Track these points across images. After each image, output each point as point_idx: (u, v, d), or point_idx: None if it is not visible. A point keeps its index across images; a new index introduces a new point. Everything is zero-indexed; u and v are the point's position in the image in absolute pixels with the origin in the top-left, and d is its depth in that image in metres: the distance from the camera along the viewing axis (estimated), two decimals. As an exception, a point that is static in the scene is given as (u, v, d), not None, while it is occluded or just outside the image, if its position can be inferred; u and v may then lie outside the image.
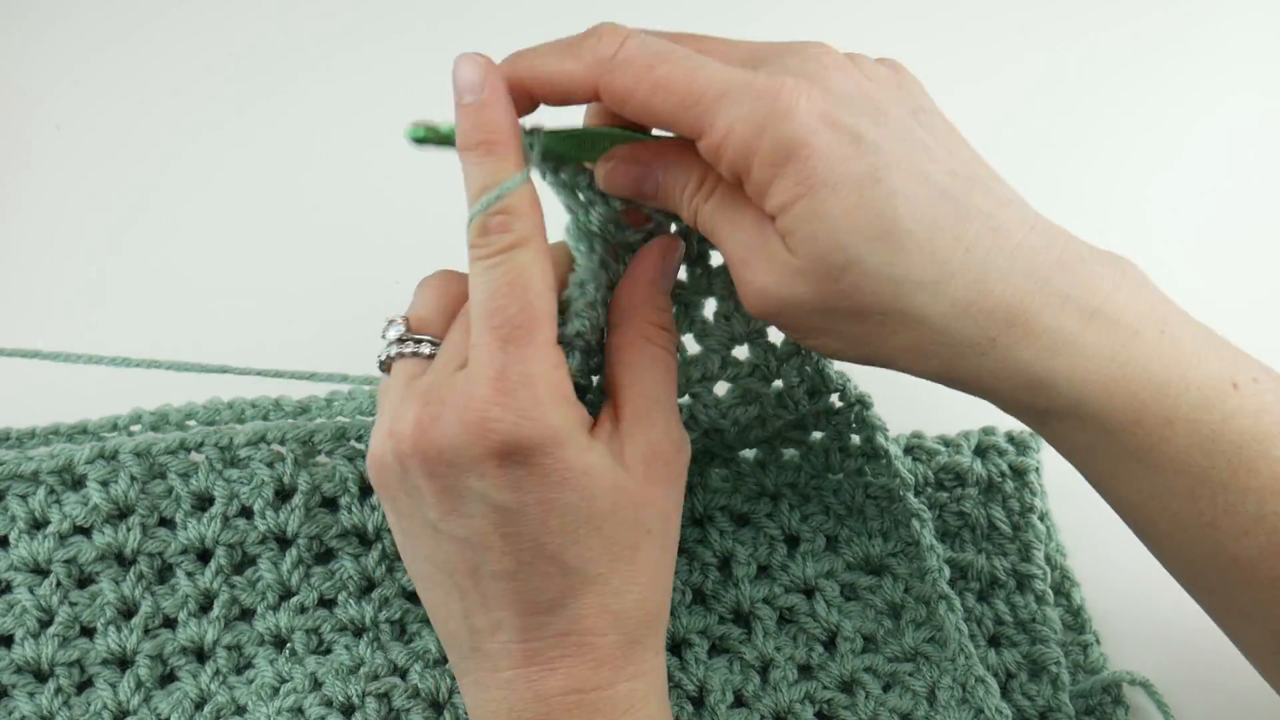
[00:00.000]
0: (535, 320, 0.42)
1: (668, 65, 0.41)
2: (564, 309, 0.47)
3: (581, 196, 0.47)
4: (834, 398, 0.53)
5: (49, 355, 0.59)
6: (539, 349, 0.42)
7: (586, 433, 0.43)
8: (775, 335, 0.50)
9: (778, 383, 0.52)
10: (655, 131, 0.46)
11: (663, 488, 0.45)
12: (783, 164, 0.39)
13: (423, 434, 0.42)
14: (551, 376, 0.42)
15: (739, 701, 0.56)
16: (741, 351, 0.52)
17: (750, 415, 0.52)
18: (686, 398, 0.52)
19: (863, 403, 0.54)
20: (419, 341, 0.46)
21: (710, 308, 0.51)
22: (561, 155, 0.46)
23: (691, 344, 0.52)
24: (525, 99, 0.44)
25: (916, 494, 0.59)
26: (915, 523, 0.56)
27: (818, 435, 0.56)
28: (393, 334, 0.47)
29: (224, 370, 0.58)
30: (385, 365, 0.47)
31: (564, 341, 0.46)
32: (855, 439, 0.56)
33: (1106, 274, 0.42)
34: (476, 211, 0.42)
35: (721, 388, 0.52)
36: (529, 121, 0.44)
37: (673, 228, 0.49)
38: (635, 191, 0.46)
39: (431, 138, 0.43)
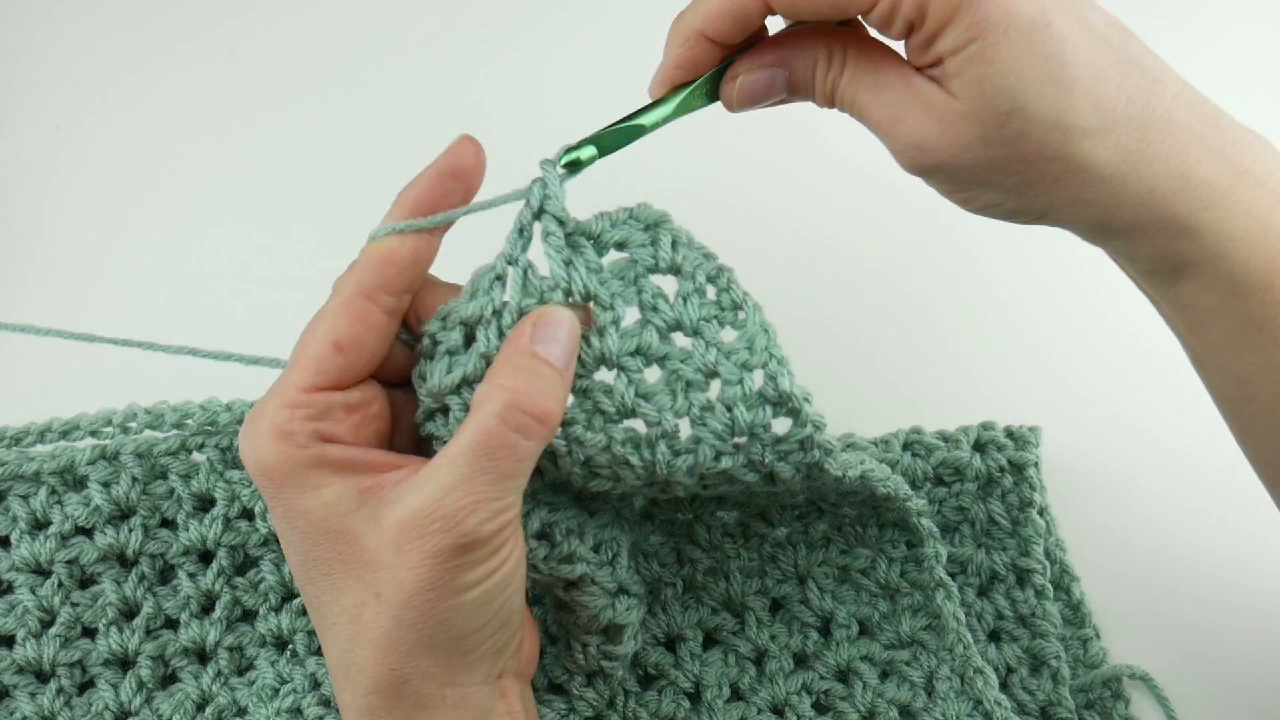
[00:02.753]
0: (296, 361, 0.42)
1: None
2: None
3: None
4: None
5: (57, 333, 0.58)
6: (281, 388, 0.42)
7: (320, 474, 0.41)
8: (781, 425, 0.46)
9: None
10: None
11: (409, 559, 0.40)
12: (956, 10, 0.39)
13: None
14: (278, 415, 0.41)
15: (736, 695, 0.56)
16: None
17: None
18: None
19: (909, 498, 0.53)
20: None
21: (715, 389, 0.45)
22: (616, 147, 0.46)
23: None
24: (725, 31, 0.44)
25: (914, 490, 0.59)
26: (915, 519, 0.55)
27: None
28: None
29: (225, 357, 0.58)
30: None
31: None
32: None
33: (1250, 138, 0.43)
34: None
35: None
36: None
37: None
38: (769, 94, 0.46)
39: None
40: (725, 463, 0.45)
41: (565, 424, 0.43)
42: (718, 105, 0.48)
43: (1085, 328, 0.68)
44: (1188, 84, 0.43)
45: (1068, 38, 0.40)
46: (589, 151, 0.44)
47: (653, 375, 0.45)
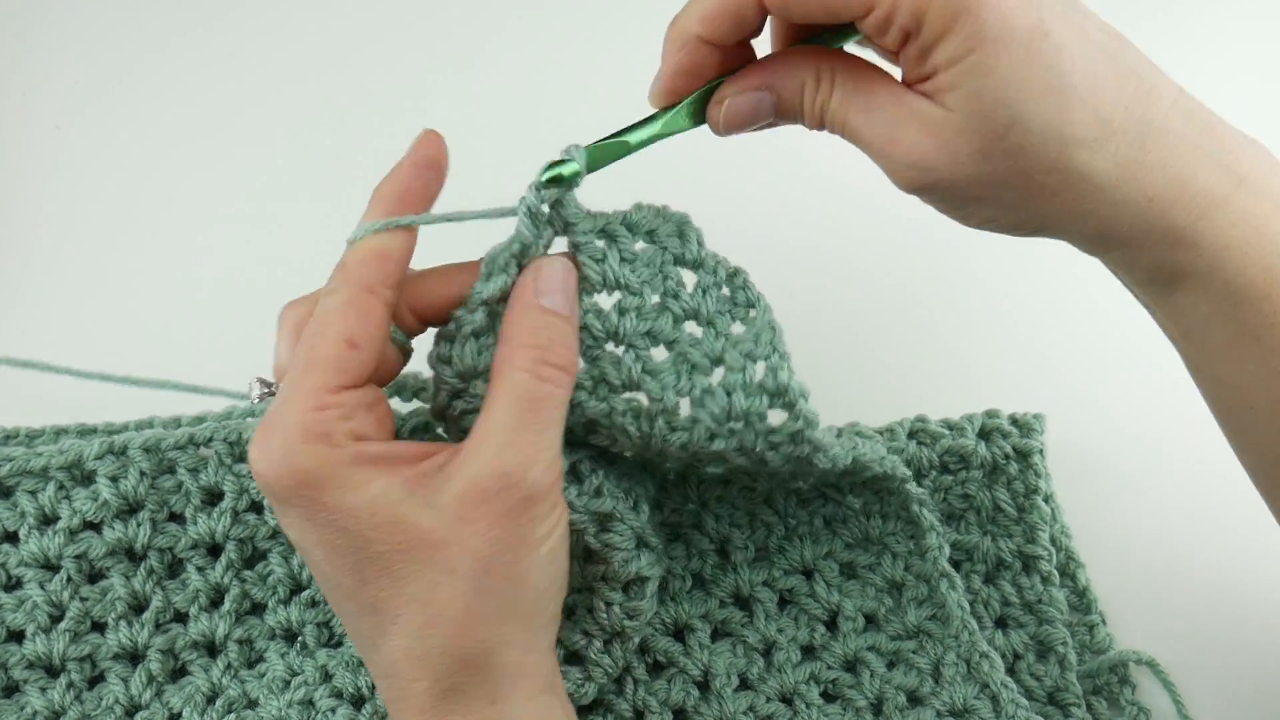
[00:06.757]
0: (313, 364, 0.41)
1: None
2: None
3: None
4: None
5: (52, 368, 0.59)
6: (307, 393, 0.41)
7: (363, 471, 0.41)
8: (776, 419, 0.47)
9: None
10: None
11: (479, 526, 0.41)
12: (953, 20, 0.39)
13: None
14: (308, 419, 0.40)
15: (744, 684, 0.56)
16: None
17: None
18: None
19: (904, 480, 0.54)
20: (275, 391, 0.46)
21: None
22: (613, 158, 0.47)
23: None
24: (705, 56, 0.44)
25: (920, 478, 0.59)
26: (915, 506, 0.55)
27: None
28: (255, 394, 0.48)
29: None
30: None
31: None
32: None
33: (1247, 146, 0.43)
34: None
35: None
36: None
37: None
38: (755, 118, 0.46)
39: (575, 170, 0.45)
40: (718, 444, 0.46)
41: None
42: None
43: (1090, 315, 0.68)
44: (1184, 91, 0.43)
45: (1065, 47, 0.40)
46: (572, 167, 0.44)
47: (659, 355, 0.47)
